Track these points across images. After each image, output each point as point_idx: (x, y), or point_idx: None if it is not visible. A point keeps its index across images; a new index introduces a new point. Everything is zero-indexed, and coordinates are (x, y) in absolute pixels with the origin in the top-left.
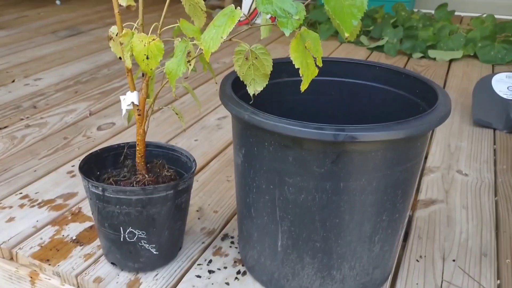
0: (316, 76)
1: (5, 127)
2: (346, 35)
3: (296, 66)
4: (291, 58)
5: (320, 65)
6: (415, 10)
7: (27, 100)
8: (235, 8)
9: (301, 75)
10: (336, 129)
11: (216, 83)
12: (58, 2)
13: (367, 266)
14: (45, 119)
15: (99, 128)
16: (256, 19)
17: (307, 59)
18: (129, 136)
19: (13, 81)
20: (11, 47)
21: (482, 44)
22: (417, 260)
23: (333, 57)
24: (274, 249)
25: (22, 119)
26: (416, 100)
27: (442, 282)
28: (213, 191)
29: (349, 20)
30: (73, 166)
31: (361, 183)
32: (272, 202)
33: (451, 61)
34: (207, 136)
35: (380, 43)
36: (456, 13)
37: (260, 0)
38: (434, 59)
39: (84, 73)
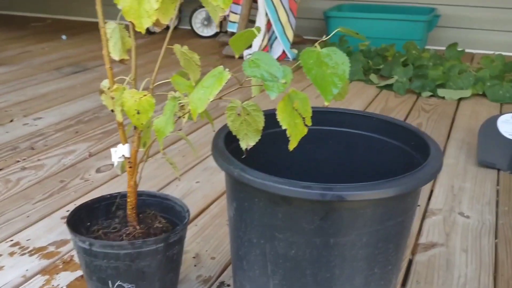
0: (313, 125)
1: (0, 170)
2: (326, 103)
3: (284, 127)
4: (279, 119)
5: (309, 124)
6: (427, 47)
7: (25, 141)
8: (224, 70)
9: (288, 136)
10: (323, 188)
11: (214, 131)
12: (64, 37)
13: None
14: (42, 161)
15: (98, 170)
16: None
17: (295, 119)
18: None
19: (12, 120)
20: (12, 85)
21: (491, 83)
22: None
23: (330, 107)
24: None
25: (18, 161)
26: (411, 152)
27: None
28: (212, 236)
29: (329, 89)
30: (67, 211)
31: (351, 239)
32: (263, 256)
33: (460, 100)
34: (209, 178)
35: (389, 81)
36: (467, 50)
37: (248, 64)
38: (443, 98)
39: (86, 112)
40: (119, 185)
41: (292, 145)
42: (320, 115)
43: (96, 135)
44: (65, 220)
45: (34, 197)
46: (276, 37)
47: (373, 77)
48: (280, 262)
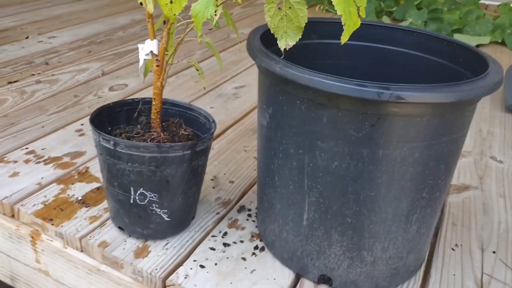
0: (347, 40)
1: (15, 81)
2: None
3: (338, 13)
4: (333, 3)
5: (363, 15)
6: None
7: (39, 56)
8: None
9: (343, 24)
10: (380, 87)
11: (240, 42)
12: None
13: (401, 249)
14: (56, 76)
15: (111, 89)
16: None
17: (350, 7)
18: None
19: (27, 37)
20: (27, 5)
21: (511, 31)
22: (453, 249)
23: (367, 20)
24: (298, 223)
25: (33, 75)
26: (459, 70)
27: (482, 275)
28: (229, 160)
29: None
30: (82, 124)
31: (402, 153)
32: (300, 169)
33: (477, 46)
34: (223, 105)
35: (403, 24)
36: (480, 1)
37: None
38: None
39: (99, 34)
40: None
41: (345, 37)
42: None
43: (108, 56)
44: (80, 133)
45: (48, 109)
46: None
47: (385, 19)
48: (320, 176)
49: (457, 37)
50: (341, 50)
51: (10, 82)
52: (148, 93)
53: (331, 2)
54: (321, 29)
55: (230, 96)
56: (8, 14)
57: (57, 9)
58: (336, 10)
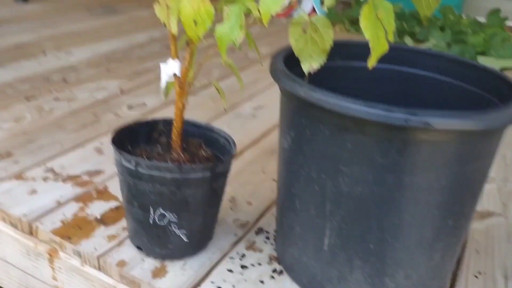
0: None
1: (33, 98)
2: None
3: (367, 37)
4: (362, 27)
5: (392, 40)
6: (462, 15)
7: (57, 73)
8: None
9: (371, 48)
10: (407, 113)
11: (262, 65)
12: None
13: (424, 276)
14: (74, 94)
15: (129, 107)
16: (295, 12)
17: (378, 31)
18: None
19: (45, 53)
20: (44, 21)
21: None
22: (476, 277)
23: (394, 44)
24: (319, 247)
25: (51, 92)
26: (485, 95)
27: None
28: (247, 182)
29: None
30: (101, 143)
31: (429, 179)
32: (322, 194)
33: (502, 69)
34: (241, 125)
35: (426, 45)
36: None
37: None
38: None
39: (117, 51)
40: None
41: (372, 61)
42: None
43: (126, 74)
44: (98, 151)
45: (67, 127)
46: None
47: (407, 40)
48: (342, 201)
49: (482, 59)
50: (364, 72)
51: (28, 99)
52: (166, 112)
53: (352, 21)
54: (344, 51)
55: (248, 116)
56: (25, 29)
57: (74, 25)
58: (359, 30)
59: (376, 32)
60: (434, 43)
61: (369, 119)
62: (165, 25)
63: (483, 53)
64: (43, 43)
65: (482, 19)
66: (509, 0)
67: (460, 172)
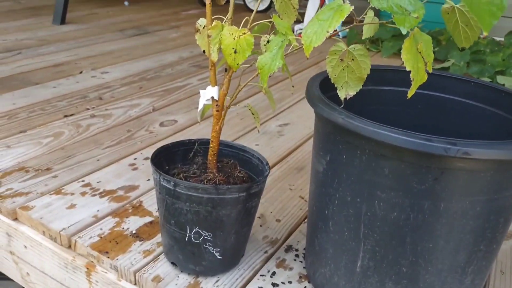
0: (401, 87)
1: (71, 115)
2: (485, 34)
3: (408, 69)
4: (403, 60)
5: (430, 70)
6: (481, 36)
7: (93, 91)
8: (344, 3)
9: (411, 79)
10: (447, 143)
11: (293, 86)
12: (126, 3)
13: None
14: (110, 111)
15: (161, 124)
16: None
17: (419, 63)
18: (191, 134)
19: (81, 72)
20: (81, 41)
21: None
22: None
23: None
24: (351, 269)
25: (88, 109)
26: None
27: None
28: (275, 199)
29: (487, 19)
30: (135, 159)
31: (464, 206)
32: (356, 217)
33: None
34: (268, 142)
35: (445, 64)
36: None
37: None
38: (503, 85)
39: (149, 70)
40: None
41: (411, 92)
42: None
43: (158, 92)
44: (133, 167)
45: (103, 142)
46: None
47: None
48: (377, 225)
49: (500, 79)
50: (394, 96)
51: (66, 116)
52: (196, 129)
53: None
54: (374, 76)
55: (275, 134)
56: (63, 49)
57: (109, 46)
58: (378, 48)
59: (417, 64)
60: (453, 62)
61: (408, 148)
62: (204, 52)
63: (501, 73)
64: (79, 62)
65: (500, 39)
66: None
67: (495, 199)
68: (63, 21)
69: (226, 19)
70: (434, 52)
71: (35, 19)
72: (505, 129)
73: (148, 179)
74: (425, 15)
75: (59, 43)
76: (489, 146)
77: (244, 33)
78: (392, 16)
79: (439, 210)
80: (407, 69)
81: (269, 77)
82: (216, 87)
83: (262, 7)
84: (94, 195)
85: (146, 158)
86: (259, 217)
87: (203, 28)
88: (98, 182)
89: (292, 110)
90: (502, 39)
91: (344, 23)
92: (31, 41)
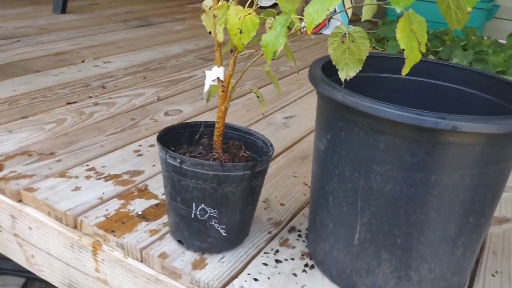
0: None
1: (74, 102)
2: (468, 9)
3: (401, 47)
4: (397, 38)
5: (424, 51)
6: (484, 37)
7: (96, 80)
8: None
9: (405, 57)
10: (437, 117)
11: (298, 72)
12: None
13: (446, 270)
14: (113, 99)
15: (166, 114)
16: (324, 30)
17: (412, 42)
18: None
19: (83, 61)
20: (83, 31)
21: None
22: (493, 275)
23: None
24: (349, 242)
25: (90, 97)
26: (507, 106)
27: None
28: (280, 185)
29: None
30: (140, 146)
31: (454, 179)
32: (354, 191)
33: None
34: (273, 133)
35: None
36: None
37: None
38: None
39: (153, 61)
40: None
41: (405, 70)
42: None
43: (163, 83)
44: (138, 153)
45: (107, 129)
46: (335, 10)
47: (431, 58)
48: (373, 198)
49: None
50: (393, 83)
51: (68, 103)
52: (202, 118)
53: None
54: (375, 63)
55: (280, 125)
56: (64, 38)
57: (111, 36)
58: (384, 48)
59: (410, 43)
60: (456, 61)
61: (402, 122)
62: (210, 33)
63: (502, 72)
64: (81, 51)
65: (502, 41)
66: None
67: (483, 173)
68: (63, 10)
69: (232, 0)
70: (438, 52)
71: (35, 7)
72: (496, 113)
73: (154, 165)
74: (429, 15)
75: (59, 32)
76: (476, 121)
77: (250, 13)
78: None
79: (430, 183)
80: (401, 47)
81: (274, 58)
82: (221, 68)
83: (270, 2)
84: (99, 178)
85: (151, 145)
86: (263, 201)
87: (209, 8)
88: (102, 166)
89: (298, 103)
90: (504, 41)
91: (351, 22)
92: (30, 29)
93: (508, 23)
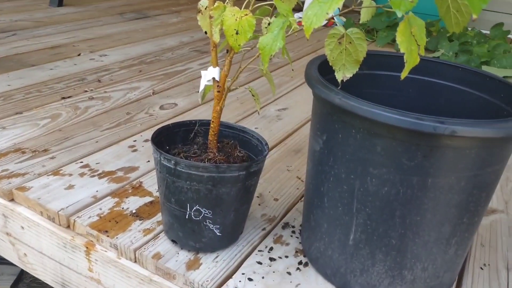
0: (393, 71)
1: (69, 97)
2: (474, 17)
3: (402, 51)
4: (398, 42)
5: (423, 54)
6: (469, 28)
7: (91, 74)
8: None
9: (404, 61)
10: (436, 121)
11: (293, 70)
12: None
13: (439, 269)
14: (108, 94)
15: (161, 107)
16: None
17: (412, 45)
18: (191, 117)
19: (79, 54)
20: (79, 23)
21: None
22: (481, 268)
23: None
24: (344, 242)
25: (86, 91)
26: (500, 105)
27: None
28: (273, 179)
29: (477, 3)
30: (134, 141)
31: (450, 181)
32: (350, 193)
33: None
34: (267, 126)
35: (435, 54)
36: (508, 36)
37: None
38: None
39: (148, 54)
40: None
41: (405, 73)
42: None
43: (158, 76)
44: (133, 149)
45: (102, 125)
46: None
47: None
48: (369, 200)
49: (485, 69)
50: (388, 80)
51: (63, 98)
52: (196, 112)
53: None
54: (370, 61)
55: (273, 118)
56: (60, 31)
57: (108, 29)
58: (373, 38)
59: (410, 46)
60: (443, 52)
61: (400, 126)
62: (206, 33)
63: (486, 63)
64: (77, 45)
65: (486, 32)
66: (509, 14)
67: (479, 174)
68: (60, 3)
69: (228, 0)
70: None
71: (31, 0)
72: (488, 111)
73: (148, 161)
74: (418, 7)
75: (56, 25)
76: (474, 125)
77: (246, 14)
78: (388, 0)
79: (427, 185)
80: (401, 51)
81: (270, 59)
82: (217, 68)
83: None
84: (93, 176)
85: (146, 140)
86: (257, 196)
87: (205, 9)
88: (97, 163)
89: (291, 95)
90: (488, 32)
91: (342, 13)
92: (26, 22)
93: (491, 14)
